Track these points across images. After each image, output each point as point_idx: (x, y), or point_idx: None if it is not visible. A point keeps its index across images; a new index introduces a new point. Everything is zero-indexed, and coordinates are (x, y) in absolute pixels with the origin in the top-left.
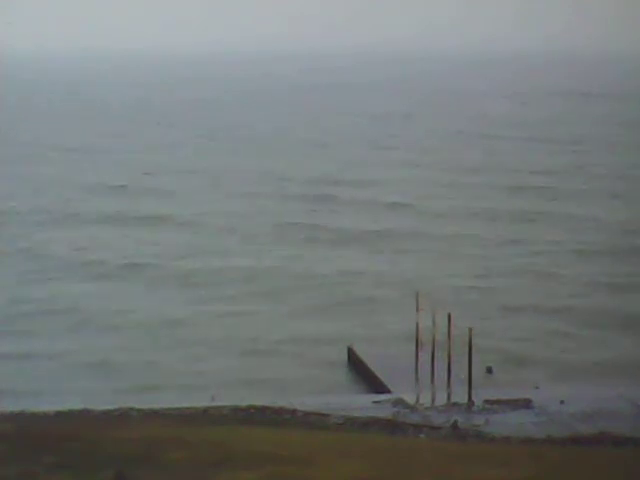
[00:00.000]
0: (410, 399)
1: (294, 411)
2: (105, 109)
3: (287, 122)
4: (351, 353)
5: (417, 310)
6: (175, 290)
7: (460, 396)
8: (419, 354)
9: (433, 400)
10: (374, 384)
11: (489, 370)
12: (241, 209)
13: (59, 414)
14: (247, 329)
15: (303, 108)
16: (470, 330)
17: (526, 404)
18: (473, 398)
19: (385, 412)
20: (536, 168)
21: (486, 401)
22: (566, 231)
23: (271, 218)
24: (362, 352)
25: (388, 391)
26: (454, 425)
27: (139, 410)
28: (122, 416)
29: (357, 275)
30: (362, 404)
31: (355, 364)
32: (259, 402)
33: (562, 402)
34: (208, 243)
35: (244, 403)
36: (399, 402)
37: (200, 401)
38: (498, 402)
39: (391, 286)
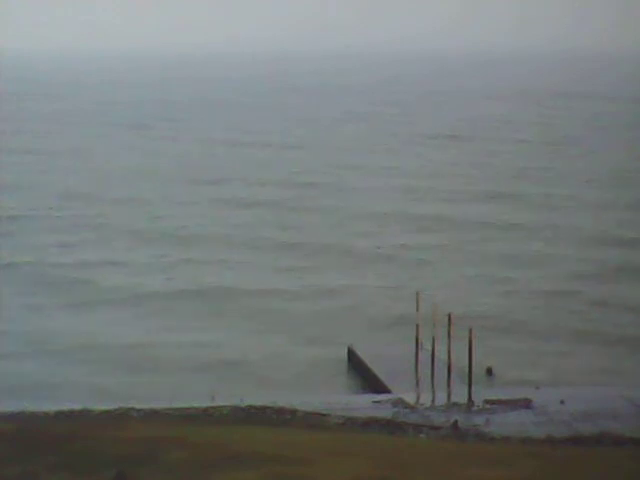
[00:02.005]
0: (410, 399)
1: (294, 411)
2: (95, 110)
3: (270, 124)
4: (351, 353)
5: (417, 310)
6: None
7: (460, 396)
8: (419, 354)
9: (433, 400)
10: (374, 384)
11: (489, 371)
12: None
13: (59, 414)
14: None
15: (295, 110)
16: (470, 330)
17: (526, 404)
18: (473, 398)
19: (385, 412)
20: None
21: (486, 401)
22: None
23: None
24: (362, 352)
25: (388, 391)
26: (454, 425)
27: (139, 410)
28: (122, 416)
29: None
30: (362, 404)
31: (355, 364)
32: (259, 402)
33: (562, 402)
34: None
35: (244, 403)
36: (399, 402)
37: (200, 401)
38: (498, 402)
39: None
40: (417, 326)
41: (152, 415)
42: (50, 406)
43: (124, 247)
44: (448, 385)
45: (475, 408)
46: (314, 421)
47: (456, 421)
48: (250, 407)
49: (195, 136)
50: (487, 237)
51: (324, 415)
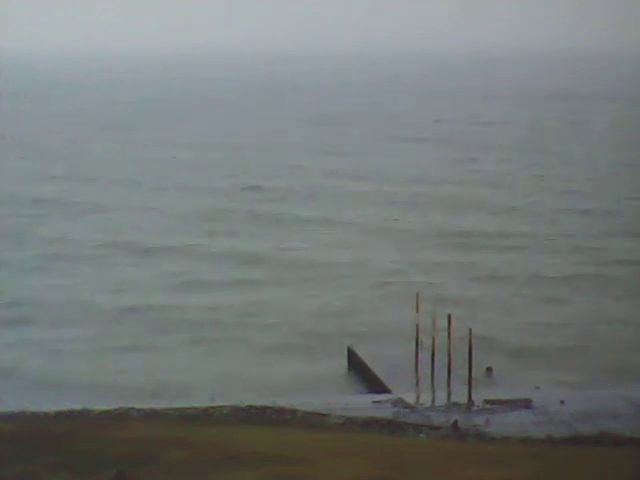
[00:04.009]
0: (410, 399)
1: (294, 411)
2: (94, 110)
3: (264, 125)
4: (351, 353)
5: (417, 310)
6: None
7: (460, 396)
8: (419, 354)
9: (433, 400)
10: (374, 384)
11: (489, 370)
12: None
13: (59, 414)
14: None
15: (288, 111)
16: (470, 330)
17: (526, 404)
18: (473, 398)
19: (385, 412)
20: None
21: (486, 401)
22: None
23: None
24: (362, 352)
25: (388, 391)
26: (454, 425)
27: (139, 410)
28: (122, 416)
29: None
30: (362, 404)
31: (355, 364)
32: (259, 402)
33: (562, 402)
34: None
35: (244, 403)
36: (399, 402)
37: (200, 401)
38: (498, 402)
39: None
40: (417, 326)
41: (152, 415)
42: (50, 406)
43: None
44: (448, 385)
45: (475, 408)
46: (314, 421)
47: (456, 421)
48: (250, 407)
49: (189, 139)
50: None
51: (324, 415)
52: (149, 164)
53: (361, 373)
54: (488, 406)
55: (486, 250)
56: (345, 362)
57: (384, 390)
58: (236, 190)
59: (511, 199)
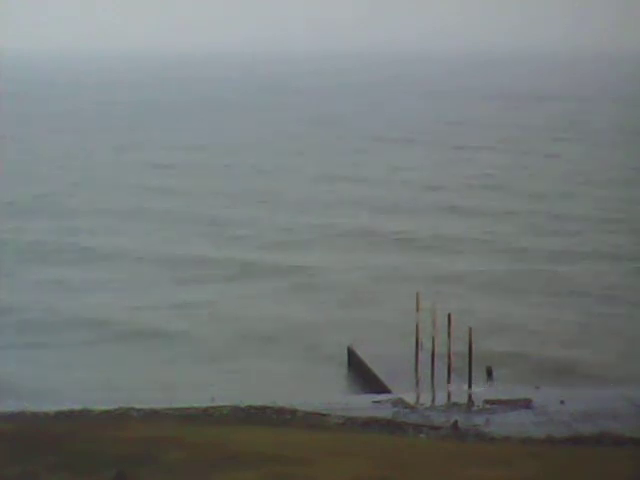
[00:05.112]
0: (410, 399)
1: (294, 411)
2: (94, 110)
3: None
4: (351, 353)
5: (417, 310)
6: None
7: (460, 396)
8: (419, 354)
9: (433, 400)
10: (374, 384)
11: (489, 371)
12: None
13: (59, 414)
14: None
15: (285, 112)
16: (470, 330)
17: (526, 404)
18: (473, 398)
19: (385, 412)
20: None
21: (486, 401)
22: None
23: None
24: (362, 352)
25: (388, 391)
26: (454, 425)
27: (139, 410)
28: (122, 416)
29: None
30: (362, 404)
31: (355, 364)
32: (259, 402)
33: (562, 402)
34: None
35: (244, 403)
36: (399, 402)
37: (200, 401)
38: (498, 402)
39: None
40: (417, 326)
41: (152, 415)
42: (50, 406)
43: None
44: (448, 385)
45: (475, 408)
46: (314, 421)
47: (456, 421)
48: (250, 407)
49: (188, 140)
50: None
51: (324, 415)
52: (146, 165)
53: (361, 373)
54: (488, 406)
55: (473, 253)
56: (345, 362)
57: (384, 390)
58: (228, 193)
59: (506, 202)
